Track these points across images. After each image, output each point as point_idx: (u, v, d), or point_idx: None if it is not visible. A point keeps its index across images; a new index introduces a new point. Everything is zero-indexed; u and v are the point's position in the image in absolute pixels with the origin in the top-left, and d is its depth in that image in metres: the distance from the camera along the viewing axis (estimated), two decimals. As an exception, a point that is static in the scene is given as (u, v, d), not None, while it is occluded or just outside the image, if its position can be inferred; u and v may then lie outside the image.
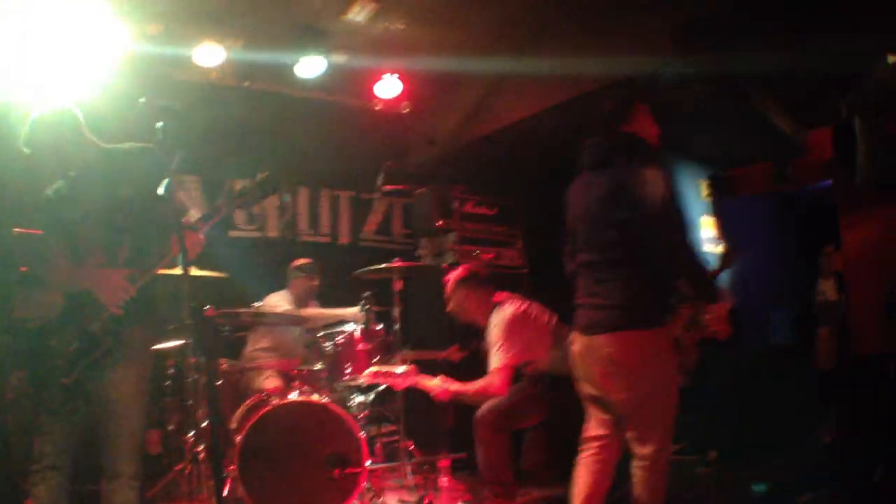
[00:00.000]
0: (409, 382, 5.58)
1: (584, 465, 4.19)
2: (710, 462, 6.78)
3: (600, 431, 4.16)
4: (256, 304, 6.68)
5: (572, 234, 4.31)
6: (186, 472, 5.65)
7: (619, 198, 4.05)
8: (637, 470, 4.06)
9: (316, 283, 7.30)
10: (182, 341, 5.73)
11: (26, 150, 4.03)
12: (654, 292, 4.02)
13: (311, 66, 7.00)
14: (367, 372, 5.68)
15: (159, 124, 3.41)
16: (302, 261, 7.31)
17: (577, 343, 4.13)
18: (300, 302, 7.23)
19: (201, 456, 5.49)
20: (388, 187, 8.08)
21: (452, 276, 5.84)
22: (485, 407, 5.57)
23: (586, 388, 4.15)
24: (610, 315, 3.98)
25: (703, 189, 10.58)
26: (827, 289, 9.04)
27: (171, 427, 6.28)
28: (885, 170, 8.03)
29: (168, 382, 6.33)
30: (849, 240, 9.91)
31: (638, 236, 3.98)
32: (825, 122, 9.61)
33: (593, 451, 4.17)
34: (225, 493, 5.32)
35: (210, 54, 6.57)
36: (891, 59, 6.59)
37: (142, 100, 3.36)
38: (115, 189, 4.08)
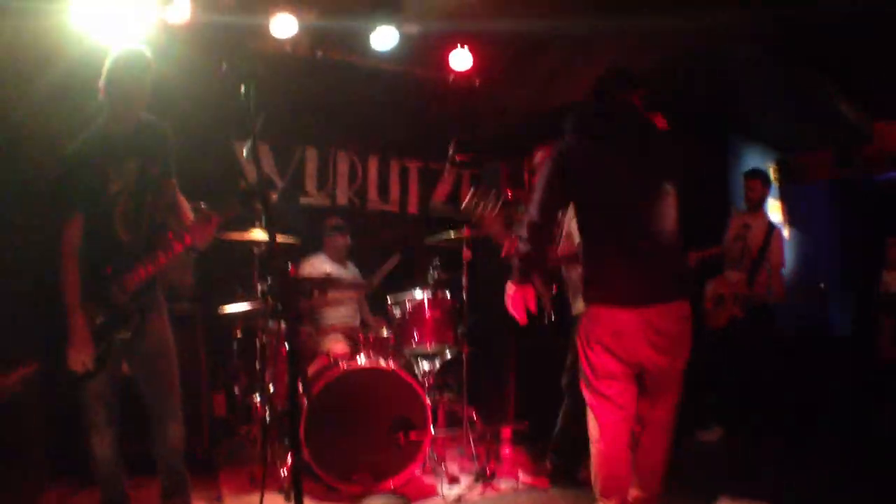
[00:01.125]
0: None
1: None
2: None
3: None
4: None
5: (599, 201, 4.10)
6: (252, 434, 5.76)
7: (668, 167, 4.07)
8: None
9: (347, 241, 7.33)
10: (250, 305, 5.81)
11: (101, 97, 4.17)
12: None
13: (383, 37, 7.02)
14: None
15: (243, 88, 3.45)
16: (335, 220, 7.37)
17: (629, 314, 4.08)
18: (338, 261, 7.29)
19: (268, 419, 5.60)
20: (458, 158, 8.12)
21: None
22: None
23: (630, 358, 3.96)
24: (675, 284, 3.97)
25: (772, 173, 10.49)
26: (892, 280, 8.85)
27: (237, 390, 6.41)
28: None
29: (235, 346, 6.43)
30: None
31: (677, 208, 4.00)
32: (887, 114, 9.50)
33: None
34: (289, 456, 5.41)
35: (284, 24, 6.60)
36: None
37: (224, 66, 3.42)
38: (147, 166, 4.28)
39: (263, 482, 4.68)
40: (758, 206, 7.54)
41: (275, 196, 4.45)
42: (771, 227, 7.36)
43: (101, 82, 4.13)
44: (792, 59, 7.33)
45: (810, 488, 5.74)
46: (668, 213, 3.96)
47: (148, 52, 4.15)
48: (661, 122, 4.23)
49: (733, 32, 6.75)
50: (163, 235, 4.26)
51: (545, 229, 4.19)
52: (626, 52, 7.29)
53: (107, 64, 4.11)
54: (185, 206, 4.47)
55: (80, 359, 4.04)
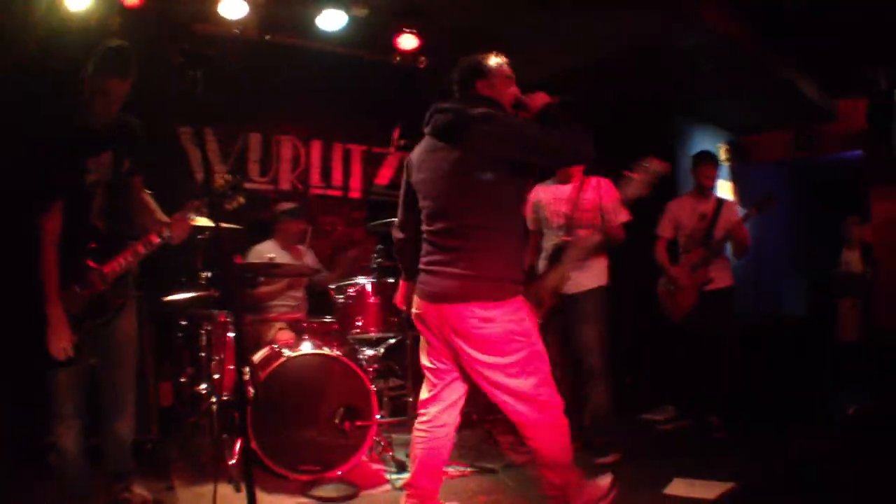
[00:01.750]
0: None
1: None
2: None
3: None
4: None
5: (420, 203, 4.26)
6: (200, 424, 5.70)
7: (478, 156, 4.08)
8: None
9: (303, 226, 7.31)
10: (195, 293, 5.75)
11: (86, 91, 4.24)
12: None
13: (331, 20, 6.97)
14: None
15: (196, 72, 3.40)
16: (287, 204, 7.32)
17: None
18: (288, 248, 7.22)
19: (214, 408, 5.55)
20: (401, 141, 8.09)
21: None
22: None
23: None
24: (472, 285, 4.02)
25: (721, 154, 10.57)
26: (851, 259, 8.97)
27: (183, 379, 6.33)
28: None
29: (180, 334, 6.35)
30: (879, 212, 9.91)
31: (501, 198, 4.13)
32: (851, 92, 9.59)
33: None
34: (237, 445, 5.38)
35: (234, 7, 6.53)
36: None
37: (181, 51, 3.36)
38: (120, 159, 4.44)
39: (216, 473, 4.66)
40: (711, 191, 7.44)
41: (220, 182, 4.39)
42: (721, 202, 7.30)
43: (87, 76, 4.20)
44: (749, 39, 7.38)
45: (767, 469, 5.82)
46: (479, 207, 3.98)
47: (131, 50, 4.25)
48: (539, 99, 4.25)
49: (687, 15, 6.78)
50: (139, 227, 4.39)
51: (407, 243, 4.50)
52: (577, 35, 7.32)
53: (93, 59, 4.19)
54: (151, 202, 4.62)
55: (61, 345, 4.10)
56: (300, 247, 7.29)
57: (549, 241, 6.18)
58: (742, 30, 7.20)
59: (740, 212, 7.28)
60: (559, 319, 6.10)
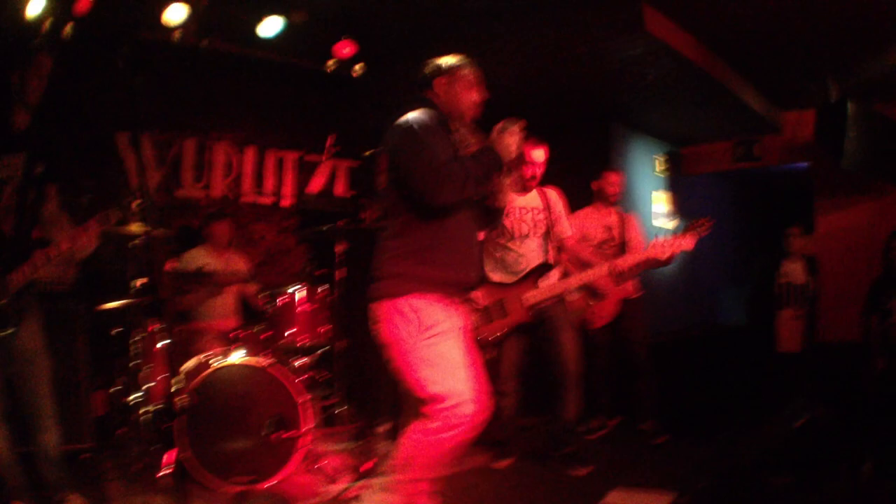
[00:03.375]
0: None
1: None
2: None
3: None
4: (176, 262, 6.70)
5: None
6: (130, 435, 5.61)
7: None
8: None
9: (229, 227, 7.22)
10: (127, 301, 5.66)
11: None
12: None
13: (269, 27, 6.92)
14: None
15: (136, 78, 3.36)
16: (213, 208, 7.30)
17: None
18: (219, 255, 7.14)
19: (145, 418, 5.46)
20: (334, 150, 8.06)
21: None
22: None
23: None
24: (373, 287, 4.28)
25: (658, 164, 10.64)
26: (791, 270, 9.05)
27: (115, 388, 6.21)
28: (876, 156, 8.10)
29: (114, 343, 6.21)
30: (824, 224, 10.05)
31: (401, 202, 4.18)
32: (797, 104, 9.71)
33: None
34: (168, 456, 5.30)
35: (174, 12, 6.45)
36: None
37: (123, 57, 3.34)
38: (34, 163, 4.31)
39: (146, 485, 4.60)
40: (615, 200, 7.37)
41: (153, 189, 4.38)
42: (622, 216, 7.34)
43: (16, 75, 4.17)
44: (692, 51, 7.44)
45: (707, 478, 5.80)
46: (392, 212, 4.13)
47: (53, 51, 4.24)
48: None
49: (631, 25, 6.83)
50: (46, 236, 4.28)
51: None
52: (518, 44, 7.34)
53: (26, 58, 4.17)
54: (63, 214, 4.56)
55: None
56: (231, 252, 7.21)
57: (510, 251, 6.17)
58: (686, 41, 7.27)
59: (674, 227, 7.34)
60: (528, 334, 6.12)
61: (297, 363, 6.32)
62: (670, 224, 10.68)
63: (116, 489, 5.27)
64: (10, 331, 4.17)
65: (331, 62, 7.59)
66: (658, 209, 10.57)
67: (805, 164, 10.37)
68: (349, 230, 6.68)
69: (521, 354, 6.18)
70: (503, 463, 6.35)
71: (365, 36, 7.39)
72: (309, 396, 6.09)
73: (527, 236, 6.14)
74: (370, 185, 7.58)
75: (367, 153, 7.92)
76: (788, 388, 8.40)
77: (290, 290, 6.35)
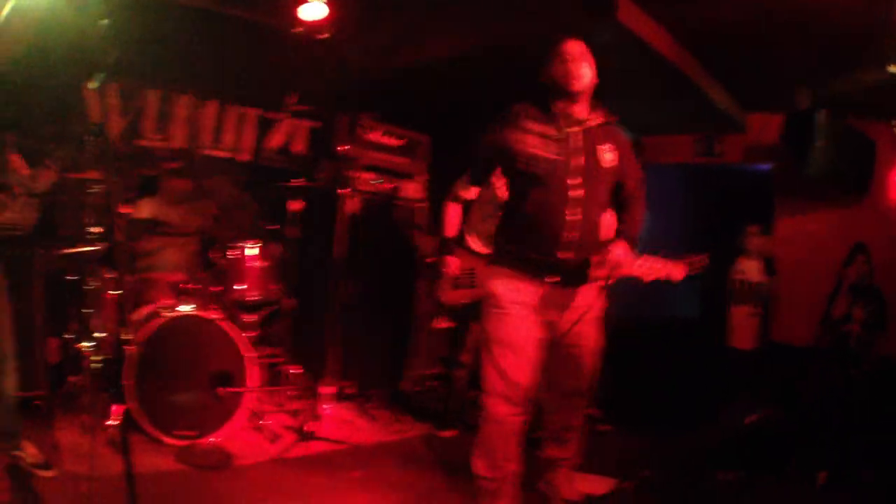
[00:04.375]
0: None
1: None
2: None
3: None
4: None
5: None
6: (81, 383, 5.61)
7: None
8: None
9: (185, 185, 7.20)
10: (84, 248, 5.64)
11: None
12: None
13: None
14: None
15: (104, 21, 3.35)
16: (173, 163, 7.20)
17: None
18: (173, 206, 7.10)
19: (95, 367, 5.47)
20: (296, 108, 8.04)
21: None
22: None
23: None
24: None
25: None
26: (748, 269, 9.14)
27: (69, 336, 6.17)
28: (842, 167, 8.22)
29: (69, 290, 6.16)
30: (784, 226, 10.17)
31: None
32: (764, 107, 9.78)
33: None
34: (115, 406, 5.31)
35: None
36: (892, 69, 6.74)
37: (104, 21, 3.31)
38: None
39: (94, 433, 4.62)
40: None
41: (116, 137, 4.35)
42: None
43: None
44: (662, 44, 7.48)
45: (651, 467, 5.85)
46: None
47: None
48: None
49: (602, 11, 6.84)
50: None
51: None
52: (476, 25, 7.36)
53: None
54: (18, 160, 4.54)
55: None
56: (186, 205, 7.19)
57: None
58: (657, 33, 7.31)
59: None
60: None
61: (245, 319, 6.34)
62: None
63: (67, 438, 5.29)
64: None
65: (298, 24, 7.57)
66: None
67: (767, 166, 10.48)
68: (305, 189, 6.71)
69: None
70: (447, 433, 6.43)
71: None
72: (256, 353, 6.15)
73: None
74: (328, 146, 7.61)
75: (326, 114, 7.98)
76: (739, 385, 8.49)
77: (243, 246, 6.36)
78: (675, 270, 4.90)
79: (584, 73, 4.62)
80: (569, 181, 4.39)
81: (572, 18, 6.90)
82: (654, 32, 7.26)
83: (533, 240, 4.43)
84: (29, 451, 4.56)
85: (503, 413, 4.37)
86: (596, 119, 4.68)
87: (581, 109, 4.63)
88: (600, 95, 8.34)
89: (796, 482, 5.88)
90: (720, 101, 9.08)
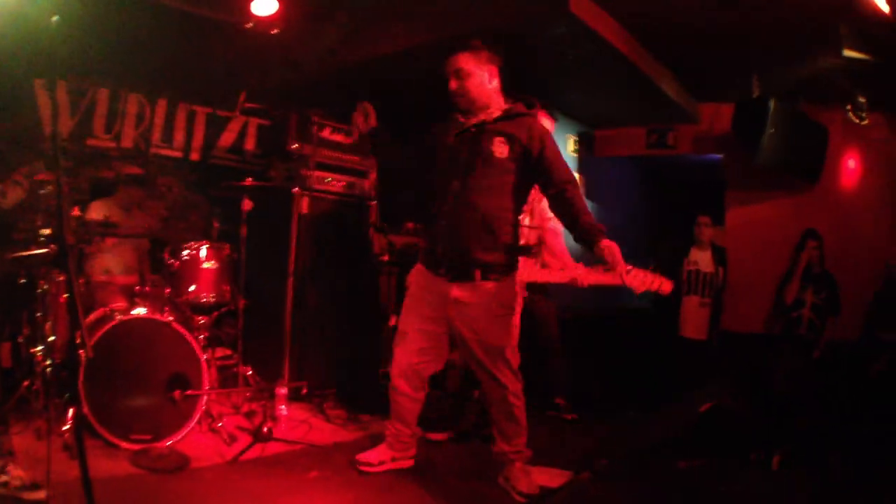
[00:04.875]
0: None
1: None
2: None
3: None
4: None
5: None
6: (35, 387, 5.52)
7: None
8: None
9: (143, 194, 7.16)
10: (35, 251, 5.55)
11: None
12: None
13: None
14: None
15: (55, 18, 3.30)
16: (132, 169, 7.12)
17: None
18: (126, 210, 7.02)
19: (48, 371, 5.39)
20: (246, 105, 7.99)
21: None
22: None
23: None
24: None
25: (571, 145, 10.74)
26: (700, 259, 9.18)
27: (21, 339, 6.07)
28: (793, 154, 8.29)
29: (20, 293, 6.04)
30: (735, 216, 10.25)
31: None
32: (715, 97, 9.85)
33: None
34: (70, 411, 5.23)
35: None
36: (847, 52, 6.79)
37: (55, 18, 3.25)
38: None
39: (49, 438, 4.54)
40: None
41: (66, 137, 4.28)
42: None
43: None
44: (614, 36, 7.50)
45: (607, 457, 5.79)
46: None
47: None
48: None
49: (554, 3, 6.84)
50: None
51: None
52: (427, 21, 7.34)
53: None
54: None
55: None
56: (136, 208, 7.12)
57: None
58: (610, 25, 7.33)
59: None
60: None
61: (198, 320, 6.29)
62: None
63: (23, 443, 5.19)
64: None
65: (248, 19, 7.51)
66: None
67: (719, 156, 10.57)
68: (257, 188, 6.67)
69: None
70: (437, 436, 6.37)
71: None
72: (209, 355, 6.09)
73: None
74: (280, 144, 7.56)
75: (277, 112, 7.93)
76: (692, 374, 8.54)
77: (194, 247, 6.31)
78: (665, 284, 5.14)
79: (454, 86, 5.09)
80: (450, 177, 4.97)
81: (525, 11, 6.92)
82: (607, 24, 7.29)
83: (427, 234, 5.16)
84: (14, 474, 4.43)
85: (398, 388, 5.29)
86: (489, 115, 5.04)
87: (467, 112, 5.10)
88: (553, 89, 8.35)
89: (754, 467, 5.93)
90: (672, 92, 9.14)
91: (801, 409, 7.04)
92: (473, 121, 5.05)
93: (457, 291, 4.94)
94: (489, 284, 4.90)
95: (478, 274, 4.87)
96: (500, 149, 4.89)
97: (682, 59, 8.47)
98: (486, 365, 5.01)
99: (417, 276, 5.24)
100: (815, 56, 7.49)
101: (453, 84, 5.04)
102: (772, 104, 8.19)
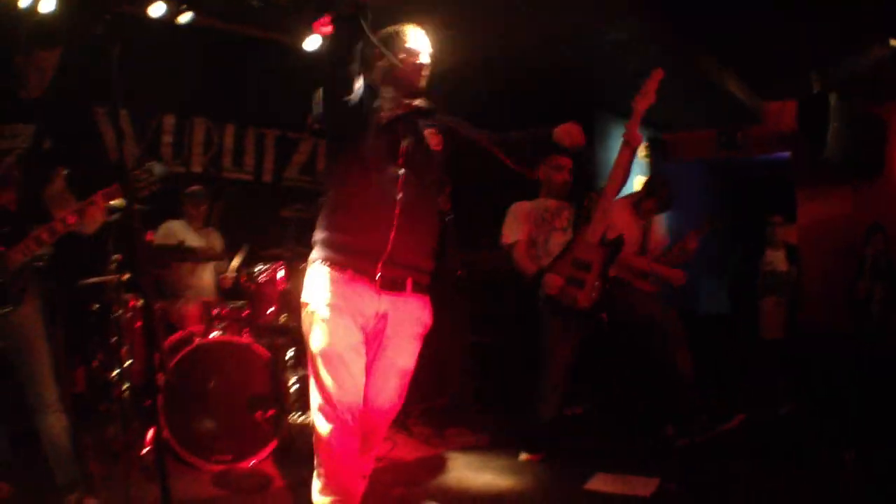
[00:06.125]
0: None
1: None
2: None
3: None
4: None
5: None
6: (112, 412, 5.54)
7: None
8: None
9: (203, 209, 7.13)
10: (107, 277, 5.58)
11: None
12: None
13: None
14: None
15: (114, 47, 3.29)
16: (193, 187, 7.16)
17: None
18: (197, 229, 7.10)
19: (125, 395, 5.39)
20: (314, 126, 7.98)
21: None
22: None
23: None
24: None
25: (641, 151, 10.60)
26: (775, 259, 9.08)
27: (95, 364, 6.12)
28: (856, 148, 8.14)
29: (92, 319, 6.13)
30: (805, 213, 10.08)
31: None
32: (780, 94, 9.72)
33: None
34: (149, 434, 5.24)
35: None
36: (893, 42, 6.65)
37: (100, 27, 3.24)
38: (42, 136, 4.21)
39: (128, 463, 4.53)
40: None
41: (136, 169, 4.29)
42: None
43: (19, 51, 4.06)
44: (676, 38, 7.41)
45: (691, 468, 5.71)
46: None
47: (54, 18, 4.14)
48: None
49: (613, 10, 6.78)
50: (50, 213, 4.13)
51: None
52: (503, 28, 7.28)
53: (22, 33, 4.08)
54: (70, 196, 4.34)
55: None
56: (209, 229, 7.15)
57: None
58: (669, 28, 7.24)
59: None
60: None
61: (277, 341, 6.26)
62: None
63: (99, 468, 5.20)
64: (8, 309, 3.99)
65: (311, 42, 7.54)
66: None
67: (786, 155, 10.38)
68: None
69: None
70: (531, 456, 6.21)
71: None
72: (289, 375, 6.06)
73: (566, 228, 6.17)
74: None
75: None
76: (773, 376, 8.34)
77: (271, 268, 6.29)
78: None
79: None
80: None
81: (585, 19, 6.85)
82: (665, 27, 7.20)
83: None
84: None
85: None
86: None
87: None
88: (620, 96, 8.16)
89: (830, 467, 5.69)
90: (738, 93, 9.01)
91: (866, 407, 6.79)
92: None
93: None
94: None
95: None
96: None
97: (743, 58, 8.35)
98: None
99: None
100: (867, 48, 7.33)
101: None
102: (832, 99, 8.05)
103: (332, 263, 3.71)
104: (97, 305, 6.00)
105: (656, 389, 6.85)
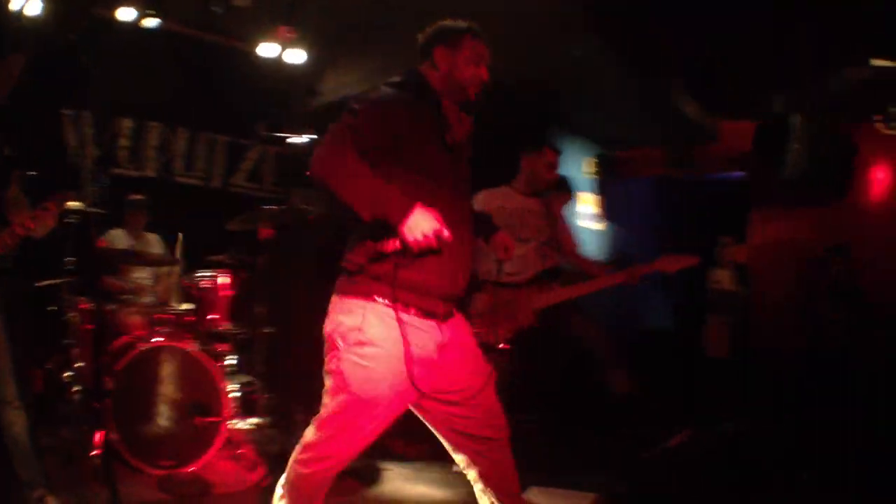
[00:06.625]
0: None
1: None
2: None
3: None
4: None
5: None
6: (64, 414, 5.57)
7: None
8: None
9: (146, 217, 7.23)
10: (62, 279, 5.61)
11: None
12: None
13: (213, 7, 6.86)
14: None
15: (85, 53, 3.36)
16: (134, 196, 7.23)
17: None
18: (136, 236, 7.20)
19: (76, 397, 5.43)
20: (266, 134, 8.05)
21: None
22: None
23: None
24: None
25: (587, 167, 10.71)
26: (723, 278, 9.22)
27: (50, 366, 6.11)
28: (820, 170, 8.24)
29: (49, 320, 6.10)
30: (758, 233, 10.18)
31: None
32: (736, 114, 9.79)
33: None
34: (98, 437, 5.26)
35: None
36: (874, 62, 6.75)
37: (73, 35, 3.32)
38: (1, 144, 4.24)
39: (81, 465, 4.57)
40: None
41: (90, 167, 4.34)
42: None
43: None
44: (631, 58, 7.51)
45: (630, 481, 5.76)
46: None
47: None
48: None
49: (568, 28, 6.86)
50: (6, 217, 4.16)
51: None
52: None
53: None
54: (24, 199, 4.37)
55: None
56: (147, 235, 7.21)
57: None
58: (624, 48, 7.35)
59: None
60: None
61: (218, 348, 6.32)
62: (596, 226, 10.83)
63: (55, 468, 5.21)
64: None
65: (269, 47, 7.58)
66: (584, 210, 10.71)
67: (740, 174, 10.48)
68: (279, 216, 6.68)
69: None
70: None
71: (304, 23, 7.38)
72: (230, 382, 6.12)
73: (528, 240, 5.95)
74: (299, 171, 7.59)
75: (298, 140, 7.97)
76: (718, 393, 8.48)
77: (214, 275, 6.34)
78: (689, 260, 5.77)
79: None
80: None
81: (544, 37, 6.95)
82: (621, 47, 7.30)
83: None
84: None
85: None
86: None
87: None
88: (571, 111, 8.23)
89: (784, 488, 5.83)
90: (692, 111, 9.12)
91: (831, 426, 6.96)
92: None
93: None
94: None
95: None
96: None
97: (701, 76, 8.46)
98: None
99: None
100: (844, 69, 7.46)
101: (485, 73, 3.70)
102: (794, 120, 8.17)
103: (395, 301, 3.23)
104: (54, 307, 6.04)
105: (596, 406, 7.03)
